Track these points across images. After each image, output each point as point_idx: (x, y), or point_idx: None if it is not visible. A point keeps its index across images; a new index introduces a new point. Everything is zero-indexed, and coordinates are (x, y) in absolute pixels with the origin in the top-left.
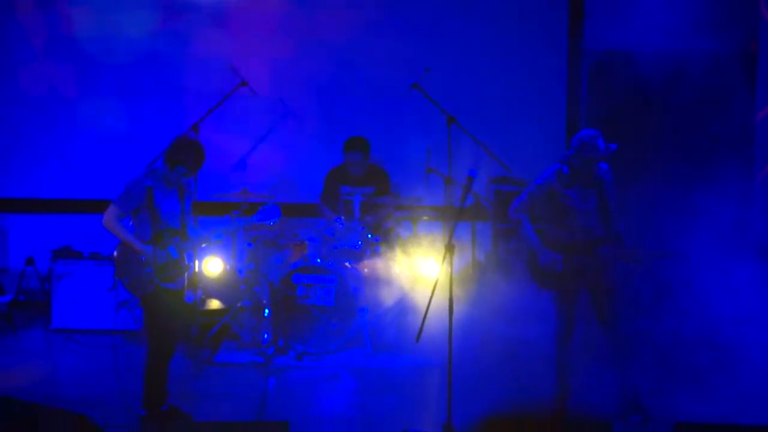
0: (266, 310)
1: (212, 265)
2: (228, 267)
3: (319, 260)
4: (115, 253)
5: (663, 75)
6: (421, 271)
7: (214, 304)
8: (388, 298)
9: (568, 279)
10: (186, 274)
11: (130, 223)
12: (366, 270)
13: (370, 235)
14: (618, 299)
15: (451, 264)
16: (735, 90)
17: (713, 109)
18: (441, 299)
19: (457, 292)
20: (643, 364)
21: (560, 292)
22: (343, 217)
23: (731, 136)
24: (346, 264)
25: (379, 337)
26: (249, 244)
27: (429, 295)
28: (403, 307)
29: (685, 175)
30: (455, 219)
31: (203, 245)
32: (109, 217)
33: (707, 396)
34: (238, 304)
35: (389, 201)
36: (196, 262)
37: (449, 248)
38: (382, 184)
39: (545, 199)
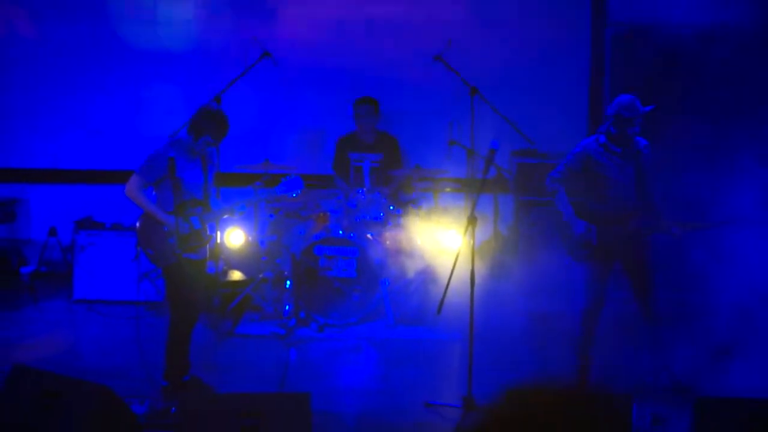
0: (288, 282)
1: (234, 237)
2: (250, 238)
3: (341, 232)
4: (137, 224)
5: (688, 48)
6: (443, 243)
7: (236, 275)
8: (409, 269)
9: (602, 251)
10: (208, 245)
11: (153, 193)
12: (388, 242)
13: (392, 207)
14: (652, 271)
15: (472, 236)
16: (761, 65)
17: (739, 83)
18: (462, 271)
19: (478, 264)
20: (677, 337)
21: (594, 264)
22: (353, 186)
23: (757, 111)
24: (368, 236)
25: (400, 309)
26: (271, 216)
27: (451, 267)
28: (424, 279)
29: (710, 149)
30: (477, 191)
31: (225, 216)
32: (132, 186)
33: (740, 371)
34: (260, 276)
35: (407, 172)
36: (218, 233)
37: (471, 220)
38: (391, 150)
39: (582, 170)
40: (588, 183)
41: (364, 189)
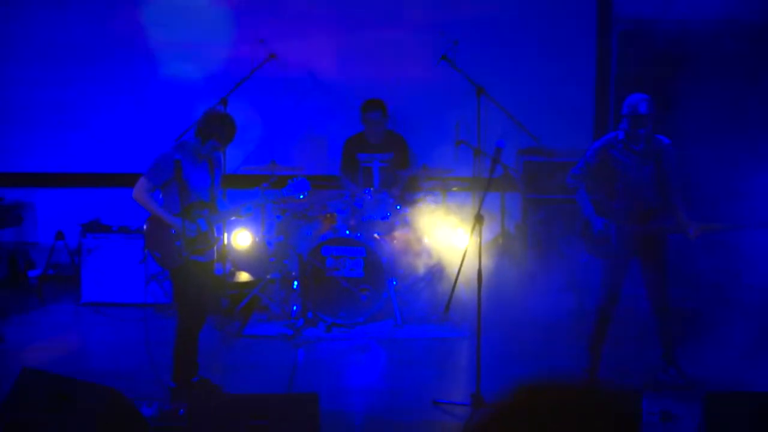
0: (295, 282)
1: (241, 238)
2: (257, 239)
3: (348, 232)
4: (144, 227)
5: (694, 45)
6: (450, 241)
7: (244, 276)
8: (417, 269)
9: (620, 249)
10: (215, 246)
11: (160, 196)
12: (395, 241)
13: (398, 207)
14: (669, 269)
15: (480, 235)
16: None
17: (744, 79)
18: (470, 270)
19: (485, 262)
20: (688, 334)
21: (611, 262)
22: (362, 187)
23: (763, 106)
24: (375, 235)
25: (408, 307)
26: (278, 217)
27: (458, 265)
28: (432, 277)
29: (717, 145)
30: (484, 190)
31: (232, 218)
32: (140, 189)
33: (751, 366)
34: (268, 277)
35: (415, 172)
36: (226, 235)
37: (478, 219)
38: (400, 149)
39: (601, 165)
40: (606, 179)
41: (372, 189)
